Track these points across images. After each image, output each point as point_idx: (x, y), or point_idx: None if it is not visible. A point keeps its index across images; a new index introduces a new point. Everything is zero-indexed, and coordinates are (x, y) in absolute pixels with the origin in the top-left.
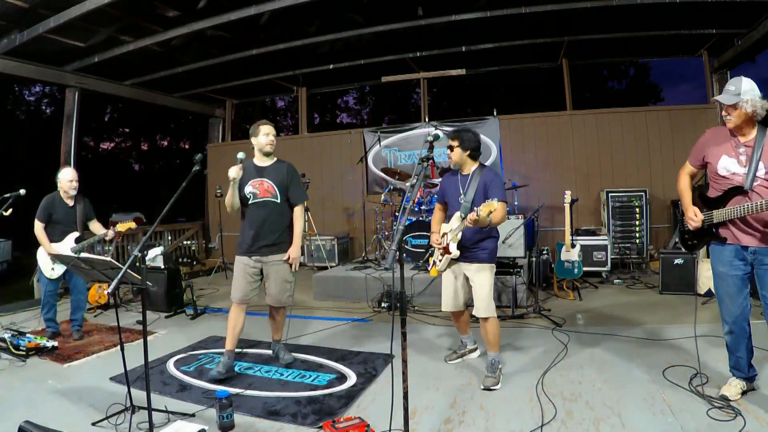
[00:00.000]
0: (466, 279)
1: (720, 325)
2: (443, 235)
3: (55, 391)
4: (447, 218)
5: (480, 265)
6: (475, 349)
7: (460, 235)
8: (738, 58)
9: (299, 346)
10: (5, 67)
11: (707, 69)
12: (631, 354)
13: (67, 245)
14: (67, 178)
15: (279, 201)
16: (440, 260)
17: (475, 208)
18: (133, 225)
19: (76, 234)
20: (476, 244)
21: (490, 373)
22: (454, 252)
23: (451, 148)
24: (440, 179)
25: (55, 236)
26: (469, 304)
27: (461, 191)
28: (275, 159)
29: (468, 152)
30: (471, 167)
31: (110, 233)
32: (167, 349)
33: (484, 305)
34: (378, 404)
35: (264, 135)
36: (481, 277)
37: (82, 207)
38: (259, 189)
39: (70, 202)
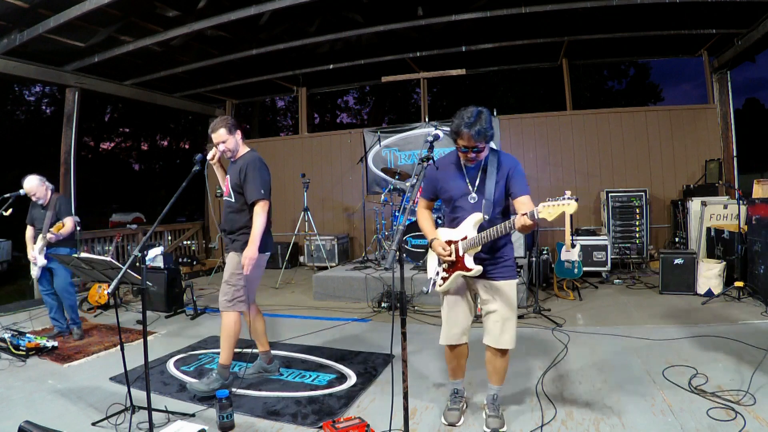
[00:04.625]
0: (474, 297)
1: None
2: (449, 244)
3: (55, 391)
4: (452, 221)
5: (506, 282)
6: (467, 399)
7: (479, 246)
8: (738, 58)
9: (299, 346)
10: (5, 67)
11: (707, 69)
12: (631, 354)
13: (37, 247)
14: (28, 192)
15: (233, 200)
16: (445, 277)
17: (535, 210)
18: (61, 226)
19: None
20: (496, 252)
21: (493, 413)
22: (475, 269)
23: (477, 149)
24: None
25: (36, 238)
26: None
27: (469, 186)
28: (246, 151)
29: (491, 142)
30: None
31: (49, 236)
32: (167, 349)
33: (510, 335)
34: (378, 404)
35: (214, 145)
36: (508, 298)
37: (53, 209)
38: (225, 187)
39: (44, 204)
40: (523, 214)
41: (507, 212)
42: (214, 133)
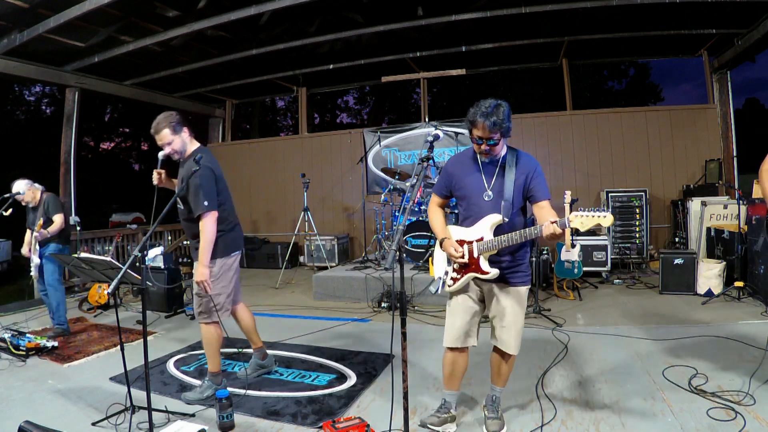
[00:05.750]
0: (482, 299)
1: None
2: (461, 244)
3: (55, 391)
4: (465, 219)
5: (522, 288)
6: (455, 417)
7: (497, 249)
8: (738, 58)
9: (299, 346)
10: (5, 67)
11: (707, 69)
12: (631, 354)
13: (31, 247)
14: (17, 196)
15: (182, 207)
16: (456, 278)
17: (566, 219)
18: (42, 223)
19: None
20: (517, 255)
21: (492, 414)
22: (492, 273)
23: (492, 141)
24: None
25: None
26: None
27: (486, 184)
28: (194, 149)
29: (508, 136)
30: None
31: (35, 233)
32: (167, 349)
33: (519, 340)
34: (378, 404)
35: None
36: (519, 303)
37: (42, 208)
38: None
39: (34, 205)
40: (553, 222)
41: (524, 213)
42: (158, 134)
